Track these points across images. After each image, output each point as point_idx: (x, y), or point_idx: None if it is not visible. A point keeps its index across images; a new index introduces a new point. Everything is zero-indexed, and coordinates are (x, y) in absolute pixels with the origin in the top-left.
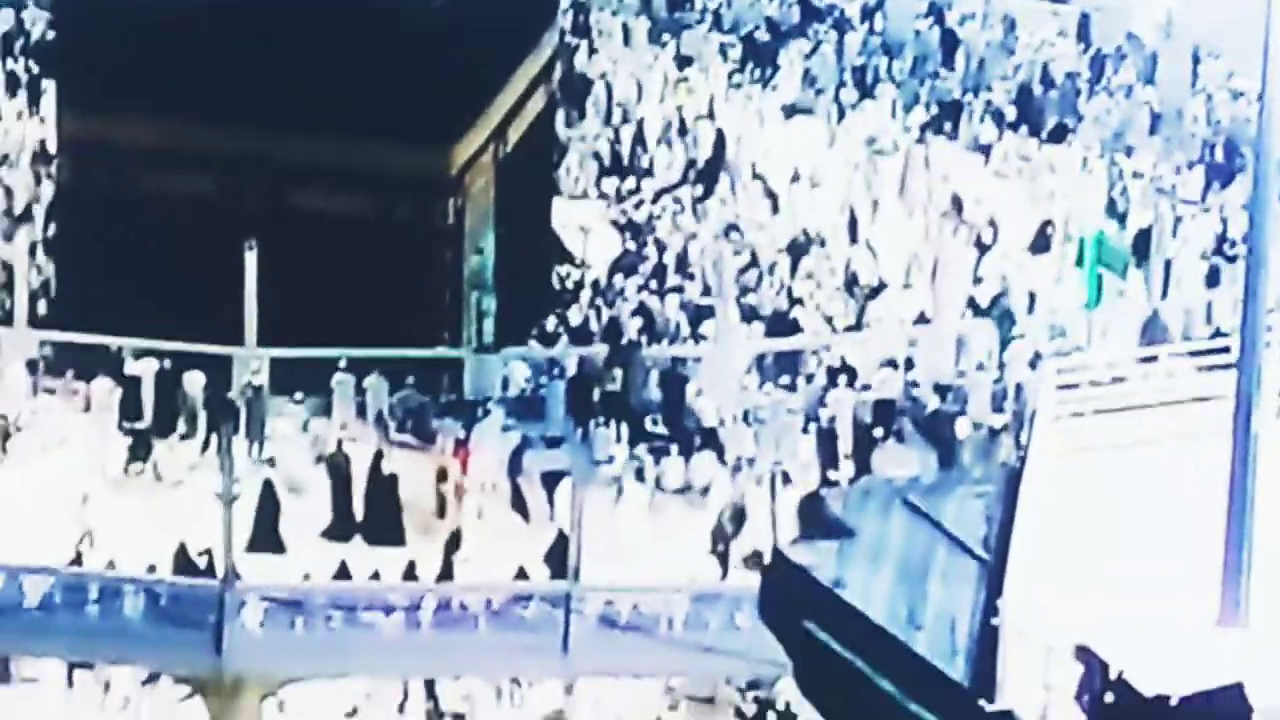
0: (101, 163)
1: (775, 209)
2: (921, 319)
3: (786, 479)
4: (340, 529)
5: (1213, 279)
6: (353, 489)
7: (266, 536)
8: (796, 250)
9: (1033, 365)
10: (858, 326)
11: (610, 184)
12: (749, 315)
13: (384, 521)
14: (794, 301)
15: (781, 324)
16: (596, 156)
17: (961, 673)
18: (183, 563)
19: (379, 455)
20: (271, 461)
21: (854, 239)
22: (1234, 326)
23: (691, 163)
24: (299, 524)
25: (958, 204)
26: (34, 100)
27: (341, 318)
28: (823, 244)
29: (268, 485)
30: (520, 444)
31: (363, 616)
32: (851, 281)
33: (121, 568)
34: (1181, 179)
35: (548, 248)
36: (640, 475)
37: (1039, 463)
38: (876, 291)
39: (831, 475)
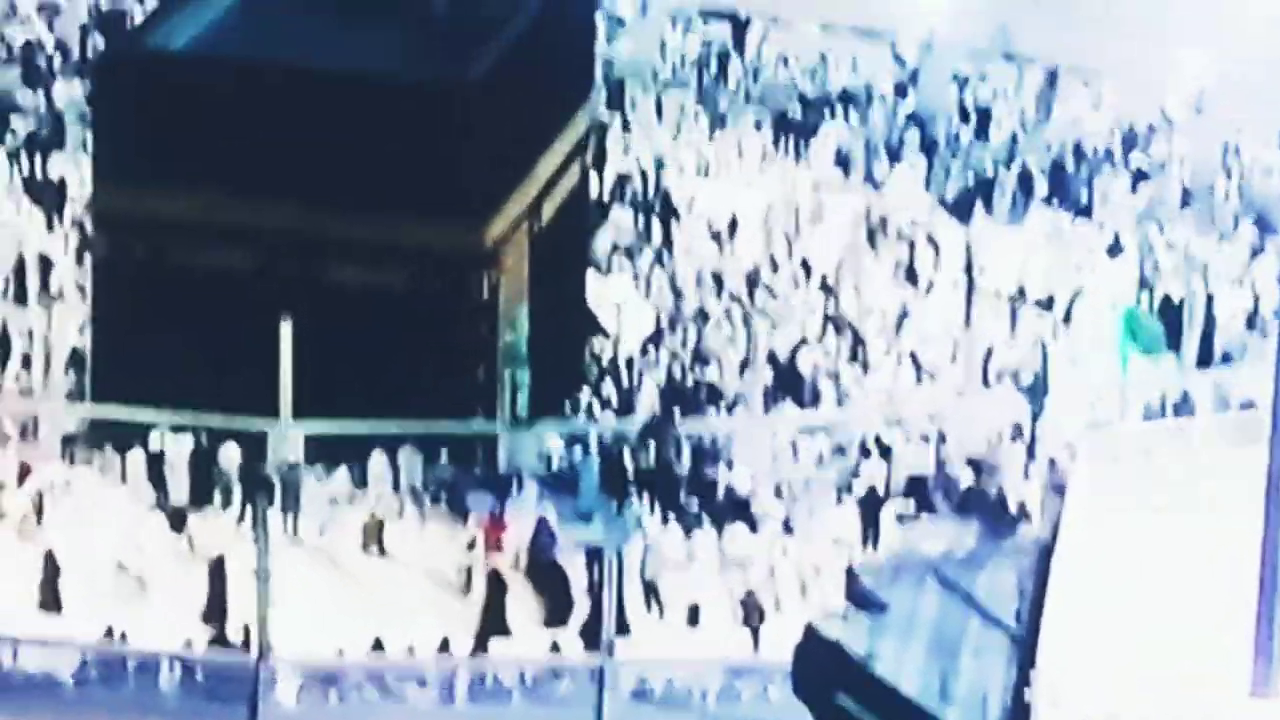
0: (138, 236)
1: (800, 279)
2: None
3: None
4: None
5: (1244, 352)
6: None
7: (498, 623)
8: (834, 325)
9: (1064, 438)
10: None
11: (642, 258)
12: (778, 384)
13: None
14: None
15: (807, 391)
16: (629, 230)
17: None
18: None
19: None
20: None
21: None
22: (1265, 401)
23: (717, 236)
24: (337, 599)
25: (991, 278)
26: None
27: (377, 392)
28: (852, 330)
29: (494, 575)
30: (554, 518)
31: (397, 690)
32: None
33: (157, 642)
34: (1214, 253)
35: (581, 322)
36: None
37: (1071, 535)
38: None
39: (864, 549)
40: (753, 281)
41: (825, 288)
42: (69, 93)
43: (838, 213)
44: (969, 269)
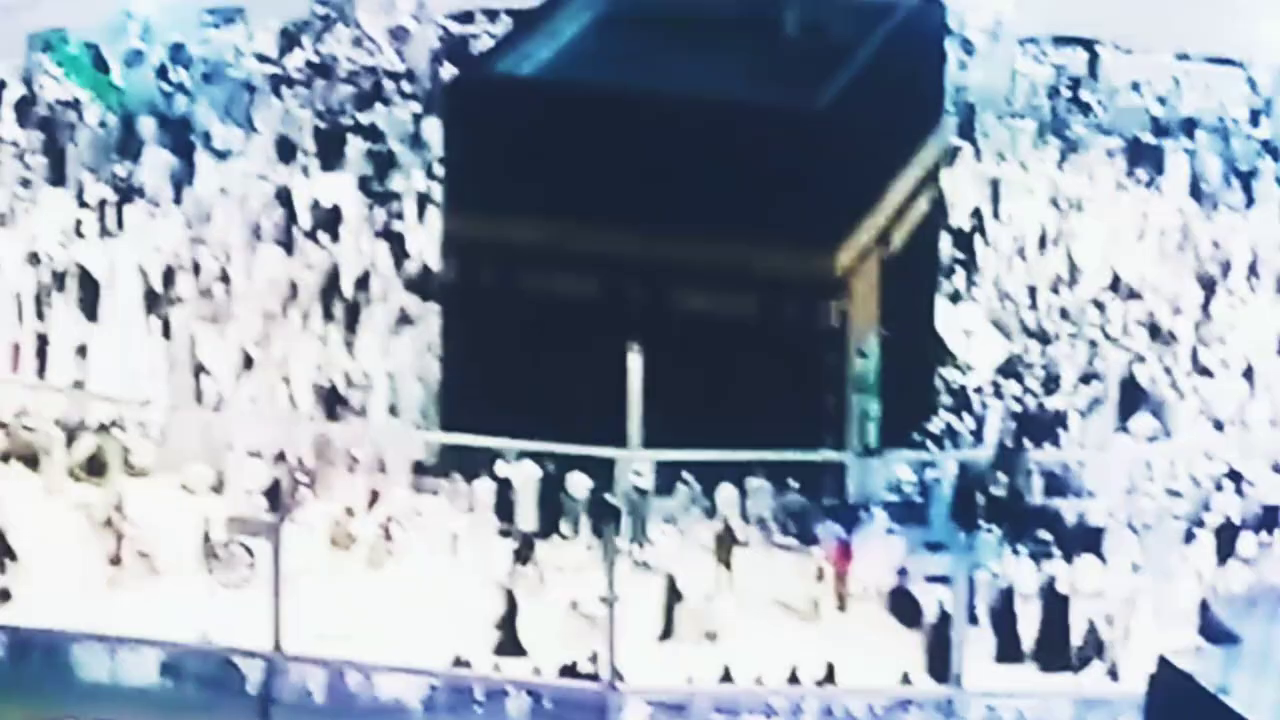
0: (486, 262)
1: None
2: None
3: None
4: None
5: None
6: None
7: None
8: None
9: None
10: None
11: (992, 288)
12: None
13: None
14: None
15: (1152, 408)
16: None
17: None
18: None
19: None
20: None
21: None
22: None
23: (1072, 264)
24: (685, 627)
25: None
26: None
27: (725, 419)
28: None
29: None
30: (903, 548)
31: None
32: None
33: (505, 669)
34: None
35: (932, 351)
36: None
37: None
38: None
39: (1217, 581)
40: (1096, 305)
41: (1148, 309)
42: (402, 117)
43: (1189, 239)
44: None
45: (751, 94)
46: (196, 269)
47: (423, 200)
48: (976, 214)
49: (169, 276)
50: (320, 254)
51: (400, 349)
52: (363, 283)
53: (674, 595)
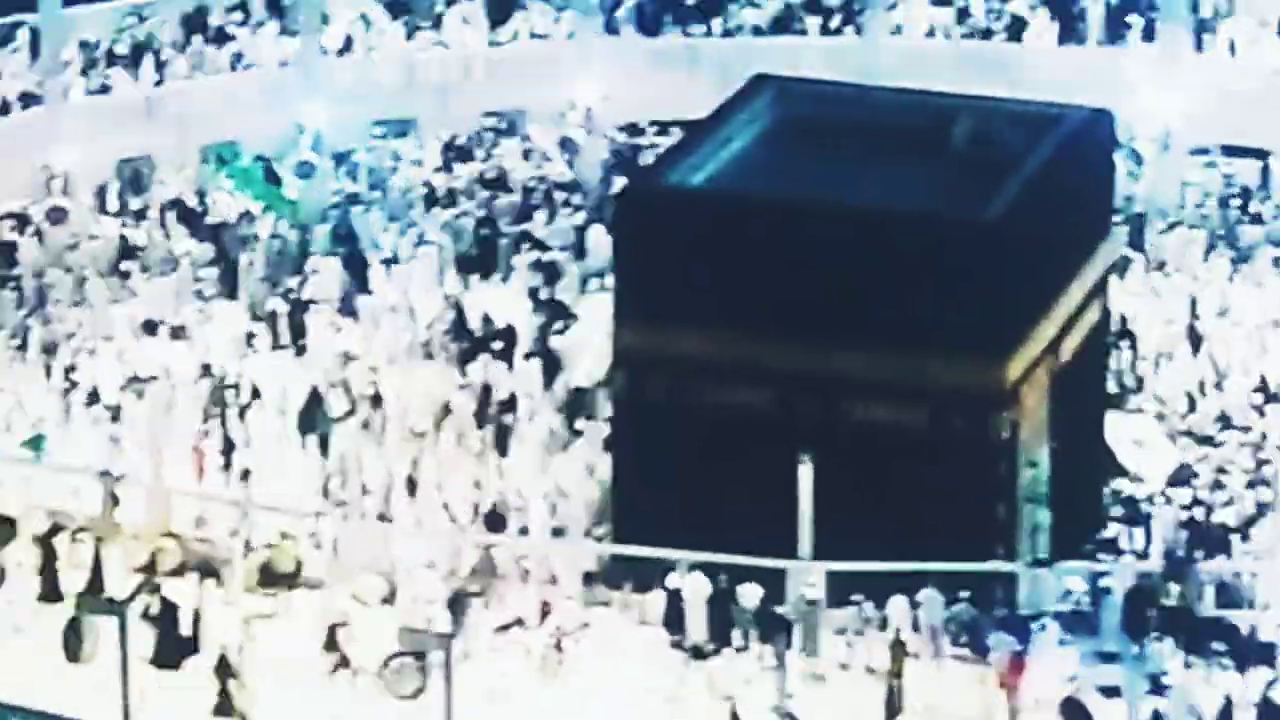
0: (656, 374)
1: None
2: None
3: None
4: None
5: None
6: None
7: None
8: None
9: None
10: None
11: (1161, 398)
12: None
13: None
14: None
15: None
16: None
17: None
18: None
19: None
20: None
21: None
22: None
23: (1229, 373)
24: None
25: None
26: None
27: (896, 530)
28: None
29: None
30: (1076, 659)
31: None
32: None
33: None
34: None
35: (1102, 461)
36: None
37: None
38: None
39: None
40: (1258, 411)
41: None
42: (565, 227)
43: None
44: None
45: (922, 205)
46: (351, 386)
47: (585, 312)
48: (1145, 324)
49: (334, 390)
50: (484, 368)
51: (562, 466)
52: (517, 401)
53: (894, 708)
